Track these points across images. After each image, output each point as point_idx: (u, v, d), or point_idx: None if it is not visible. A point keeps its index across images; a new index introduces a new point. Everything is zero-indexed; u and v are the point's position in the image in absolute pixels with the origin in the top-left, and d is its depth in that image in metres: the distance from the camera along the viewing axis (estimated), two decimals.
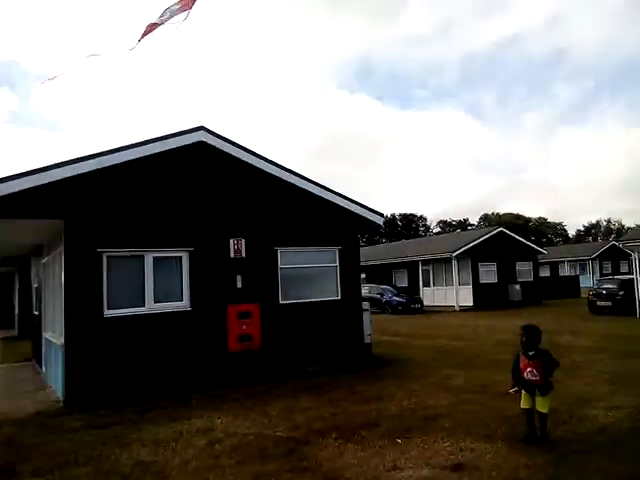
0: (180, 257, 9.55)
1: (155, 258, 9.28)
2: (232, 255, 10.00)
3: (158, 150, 9.45)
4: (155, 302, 9.18)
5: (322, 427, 6.50)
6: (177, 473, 5.13)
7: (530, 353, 5.66)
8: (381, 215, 12.00)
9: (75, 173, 8.61)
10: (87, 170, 8.73)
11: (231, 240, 10.01)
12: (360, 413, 7.13)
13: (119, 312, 8.84)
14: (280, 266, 10.58)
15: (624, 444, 5.44)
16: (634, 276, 21.08)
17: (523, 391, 5.76)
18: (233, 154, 10.23)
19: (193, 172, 9.92)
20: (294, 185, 10.84)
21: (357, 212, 11.56)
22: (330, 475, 4.92)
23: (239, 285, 10.00)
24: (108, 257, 8.86)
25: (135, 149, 9.23)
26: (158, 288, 9.26)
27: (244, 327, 9.78)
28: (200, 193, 9.91)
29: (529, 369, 5.63)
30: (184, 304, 9.47)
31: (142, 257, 9.17)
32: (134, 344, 8.91)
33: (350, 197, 11.54)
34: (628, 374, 9.05)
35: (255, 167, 10.45)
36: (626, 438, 5.63)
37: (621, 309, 21.58)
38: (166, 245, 9.40)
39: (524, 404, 5.76)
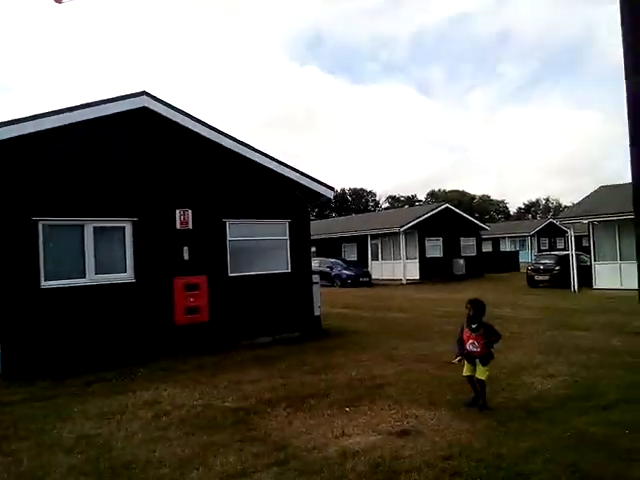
0: (123, 227, 9.16)
1: (96, 228, 8.87)
2: (178, 226, 9.69)
3: (99, 114, 8.94)
4: (97, 273, 8.82)
5: (271, 397, 6.51)
6: (123, 445, 5.00)
7: (473, 326, 5.87)
8: (332, 189, 11.97)
9: (8, 136, 8.03)
10: (22, 133, 8.17)
11: (177, 211, 9.70)
12: (309, 383, 7.19)
13: (57, 283, 8.44)
14: (229, 238, 10.38)
15: (558, 409, 5.77)
16: (569, 252, 22.29)
17: (465, 360, 5.99)
18: (179, 122, 9.81)
19: (136, 139, 9.47)
20: (244, 156, 10.58)
21: (308, 185, 11.45)
22: (279, 444, 4.94)
23: (186, 257, 9.75)
24: (44, 226, 8.38)
25: (74, 112, 8.68)
26: (100, 259, 8.88)
27: (191, 300, 9.57)
28: (144, 161, 9.49)
29: (471, 341, 5.85)
30: (128, 276, 9.15)
31: (82, 227, 8.74)
32: (76, 316, 8.56)
33: (301, 170, 11.41)
34: (563, 344, 9.59)
35: (202, 136, 10.09)
36: (560, 404, 5.96)
37: (557, 283, 22.86)
38: (107, 214, 8.99)
39: (466, 372, 6.01)
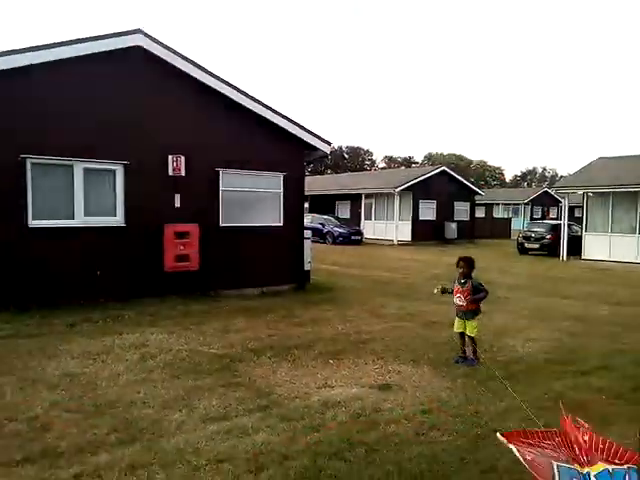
0: (114, 170, 8.98)
1: (86, 169, 8.69)
2: (171, 173, 9.50)
3: (92, 51, 8.56)
4: (86, 216, 8.70)
5: (257, 346, 6.58)
6: (107, 385, 5.05)
7: (462, 281, 6.09)
8: (328, 143, 11.74)
9: None
10: (11, 67, 7.82)
11: (170, 156, 9.47)
12: (296, 335, 7.26)
13: (46, 223, 8.33)
14: (222, 188, 10.23)
15: (538, 372, 5.88)
16: (561, 221, 22.35)
17: (456, 317, 6.25)
18: (175, 64, 9.44)
19: (131, 80, 9.14)
20: (242, 106, 10.28)
21: (305, 139, 11.22)
22: (263, 391, 5.02)
23: (177, 204, 9.62)
24: (33, 164, 8.18)
25: (65, 47, 8.30)
26: (90, 202, 8.75)
27: (181, 247, 9.50)
28: (138, 104, 9.19)
29: (458, 295, 6.09)
30: (118, 220, 9.04)
31: (71, 167, 8.55)
32: (64, 257, 8.49)
33: (299, 122, 11.15)
34: (547, 310, 9.73)
35: (200, 81, 9.76)
36: (541, 367, 6.08)
37: (547, 251, 23.02)
38: (98, 156, 8.78)
39: (457, 329, 6.27)
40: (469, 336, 6.17)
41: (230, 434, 4.05)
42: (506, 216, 47.97)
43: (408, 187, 28.06)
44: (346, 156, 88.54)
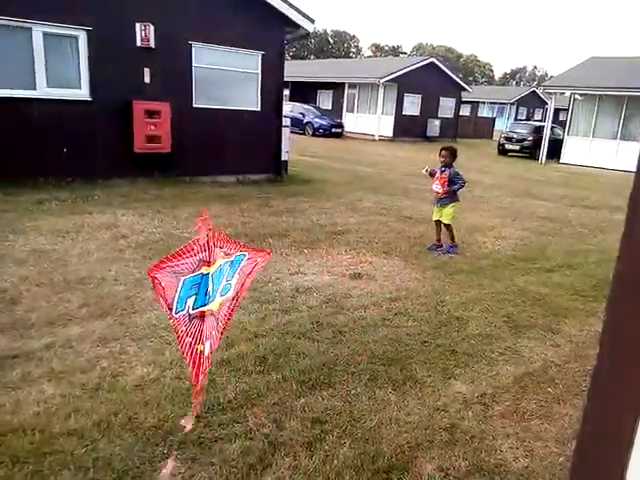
0: (76, 37, 8.21)
1: (46, 34, 7.92)
2: (139, 43, 8.73)
3: None
4: (49, 87, 8.09)
5: (231, 233, 6.52)
6: (77, 262, 5.01)
7: (442, 169, 6.26)
8: (312, 20, 10.85)
9: None
10: None
11: (138, 24, 8.65)
12: (271, 224, 7.24)
13: (4, 92, 7.72)
14: (195, 64, 9.53)
15: (504, 268, 6.06)
16: (545, 123, 22.07)
17: (435, 205, 6.53)
18: None
19: None
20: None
21: (286, 13, 10.32)
22: None
23: (147, 80, 8.98)
24: None
25: None
26: (52, 71, 8.10)
27: (152, 127, 9.04)
28: None
29: (436, 182, 6.29)
30: (83, 93, 8.45)
31: (29, 30, 7.76)
32: (26, 131, 8.01)
33: None
34: (520, 210, 9.88)
35: None
36: (507, 263, 6.26)
37: (527, 153, 22.94)
38: (58, 20, 7.95)
39: (435, 216, 6.55)
40: (445, 224, 6.42)
41: None
42: (491, 115, 47.05)
43: (393, 79, 26.89)
44: (331, 41, 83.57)
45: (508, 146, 23.77)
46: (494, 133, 36.81)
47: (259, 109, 10.63)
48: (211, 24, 9.56)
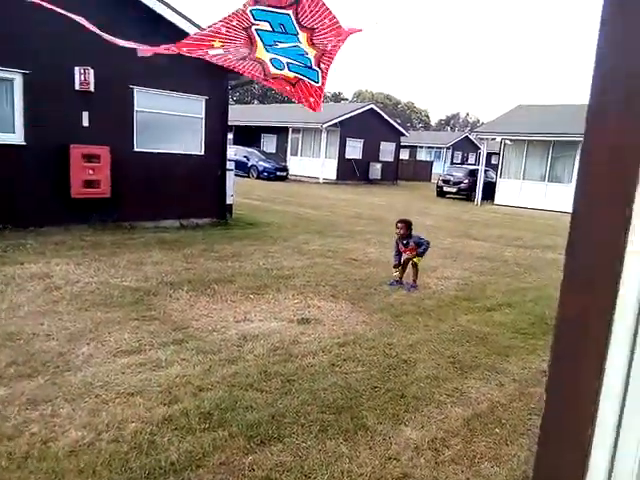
0: (12, 80, 7.95)
1: None
2: (78, 87, 8.55)
3: None
4: None
5: (174, 280, 6.36)
6: (6, 316, 4.67)
7: (404, 242, 6.79)
8: None
9: None
10: None
11: (77, 68, 8.50)
12: (215, 269, 7.10)
13: None
14: (136, 108, 9.43)
15: (448, 308, 6.20)
16: (479, 167, 23.32)
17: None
18: None
19: None
20: (161, 15, 9.33)
21: None
22: (179, 324, 4.88)
23: (85, 124, 8.76)
24: None
25: None
26: None
27: (91, 172, 8.77)
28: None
29: (407, 253, 6.89)
30: (17, 137, 8.12)
31: None
32: None
33: None
34: (460, 251, 10.23)
35: None
36: (450, 303, 6.41)
37: (464, 195, 24.08)
38: None
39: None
40: (414, 262, 6.89)
41: (142, 367, 3.91)
42: (429, 159, 49.27)
43: (335, 124, 27.77)
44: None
45: (446, 188, 24.87)
46: (432, 176, 38.45)
47: (203, 153, 10.60)
48: (154, 69, 9.52)
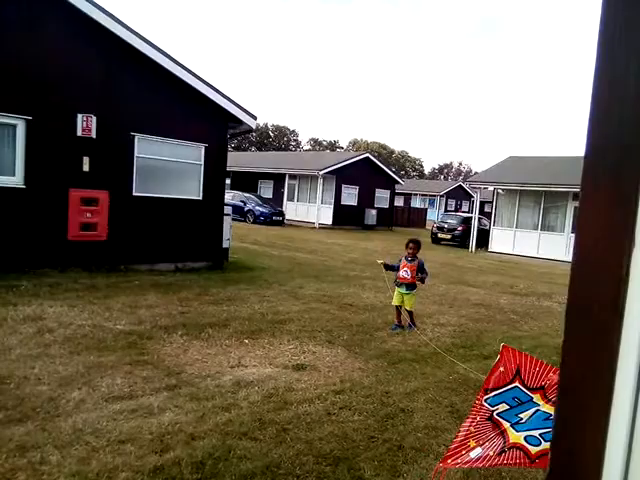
0: (14, 125, 8.11)
1: None
2: (80, 133, 8.73)
3: None
4: None
5: (168, 324, 6.30)
6: None
7: (410, 259, 6.92)
8: (254, 117, 11.40)
9: None
10: None
11: (79, 115, 8.71)
12: (210, 313, 7.05)
13: None
14: (137, 154, 9.60)
15: (445, 355, 6.14)
16: (473, 215, 23.63)
17: (396, 290, 7.07)
18: (91, 15, 8.63)
19: (40, 27, 8.26)
20: (165, 68, 9.67)
21: (230, 110, 10.80)
22: (172, 370, 4.80)
23: (86, 168, 8.88)
24: None
25: None
26: None
27: (88, 215, 8.83)
28: (47, 54, 8.33)
29: (405, 268, 6.92)
30: (17, 180, 8.20)
31: None
32: None
33: (225, 93, 10.72)
34: (455, 298, 10.23)
35: (118, 37, 9.02)
36: (447, 350, 6.35)
37: (458, 242, 24.29)
38: None
39: (395, 302, 7.12)
40: (407, 310, 6.98)
41: (134, 414, 3.82)
42: (423, 206, 49.90)
43: (332, 171, 28.28)
44: (272, 134, 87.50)
45: (440, 235, 25.11)
46: (427, 222, 38.88)
47: (201, 198, 10.72)
48: (156, 118, 9.81)
